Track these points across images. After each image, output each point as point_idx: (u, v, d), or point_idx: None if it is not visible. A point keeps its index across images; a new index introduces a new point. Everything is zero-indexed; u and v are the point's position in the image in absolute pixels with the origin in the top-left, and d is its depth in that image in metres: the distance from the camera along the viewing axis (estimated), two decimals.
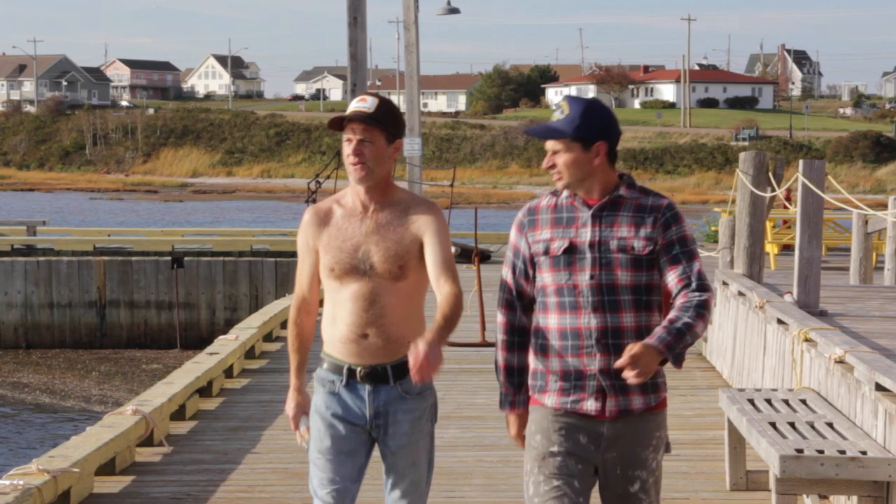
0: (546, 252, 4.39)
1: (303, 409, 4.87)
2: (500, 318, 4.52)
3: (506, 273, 4.53)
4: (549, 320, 4.38)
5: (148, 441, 8.70)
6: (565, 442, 4.38)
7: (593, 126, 4.35)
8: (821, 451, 6.10)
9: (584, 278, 4.34)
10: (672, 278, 4.35)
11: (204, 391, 10.51)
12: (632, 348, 4.12)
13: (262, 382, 11.46)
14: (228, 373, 11.55)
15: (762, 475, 7.42)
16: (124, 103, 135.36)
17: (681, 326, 4.22)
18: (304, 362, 4.86)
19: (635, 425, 4.40)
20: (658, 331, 4.22)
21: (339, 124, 4.61)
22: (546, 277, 4.39)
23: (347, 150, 4.60)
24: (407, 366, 4.43)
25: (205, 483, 7.93)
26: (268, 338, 13.75)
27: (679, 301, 4.31)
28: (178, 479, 8.06)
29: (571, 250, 4.36)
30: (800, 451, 6.11)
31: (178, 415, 9.62)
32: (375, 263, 4.62)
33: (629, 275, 4.35)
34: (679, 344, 4.22)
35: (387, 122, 4.61)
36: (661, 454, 4.51)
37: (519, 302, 4.48)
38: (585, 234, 4.36)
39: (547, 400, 4.40)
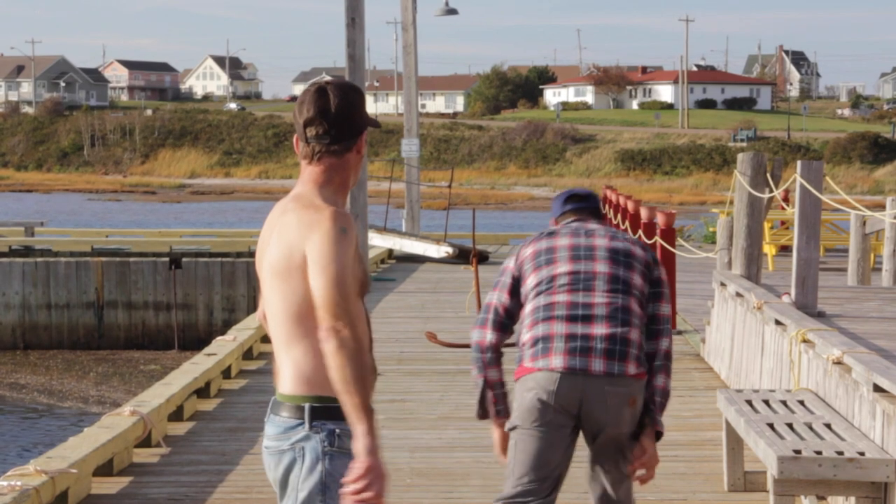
0: None
1: None
2: None
3: None
4: None
5: (146, 442, 8.69)
6: None
7: None
8: (819, 452, 6.10)
9: None
10: None
11: (202, 392, 10.50)
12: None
13: (260, 383, 11.45)
14: (226, 374, 11.54)
15: (760, 476, 7.42)
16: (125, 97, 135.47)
17: None
18: None
19: None
20: None
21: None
22: None
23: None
24: None
25: (203, 484, 7.93)
26: (265, 339, 13.74)
27: None
28: (175, 479, 8.06)
29: None
30: (798, 452, 6.11)
31: (176, 416, 9.61)
32: None
33: None
34: None
35: None
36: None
37: None
38: None
39: None
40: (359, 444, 3.70)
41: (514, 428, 4.90)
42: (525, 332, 4.91)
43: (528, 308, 4.92)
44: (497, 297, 4.99)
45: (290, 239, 3.82)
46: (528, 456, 4.85)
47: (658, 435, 4.93)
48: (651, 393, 4.92)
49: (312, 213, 3.82)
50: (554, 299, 4.89)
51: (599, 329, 4.84)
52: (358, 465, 3.69)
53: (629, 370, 4.83)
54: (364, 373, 3.72)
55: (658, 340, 4.94)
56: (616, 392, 4.81)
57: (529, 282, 4.94)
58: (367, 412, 3.71)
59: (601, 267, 4.94)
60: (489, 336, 4.97)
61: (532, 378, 4.84)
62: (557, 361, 4.80)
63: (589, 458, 4.98)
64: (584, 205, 5.15)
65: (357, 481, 3.68)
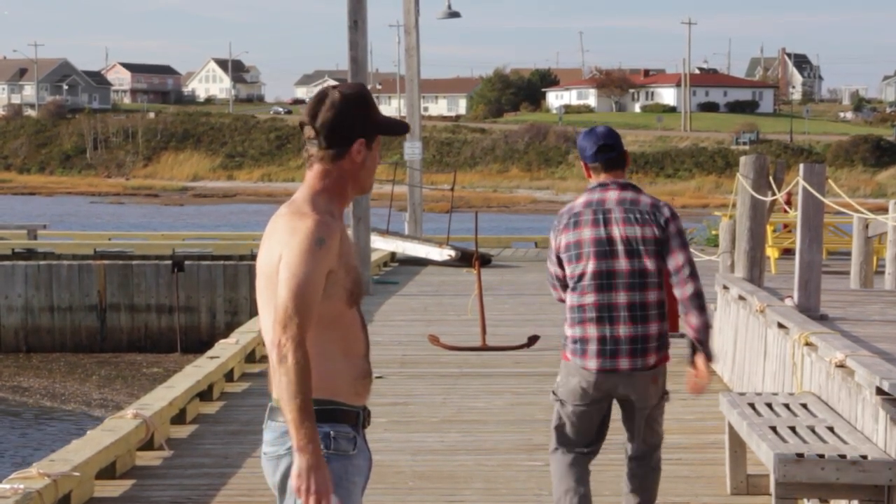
0: None
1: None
2: None
3: None
4: None
5: (148, 445, 8.70)
6: None
7: None
8: (821, 455, 6.10)
9: None
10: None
11: (204, 395, 10.51)
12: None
13: (263, 386, 11.45)
14: (229, 376, 11.55)
15: (763, 479, 7.42)
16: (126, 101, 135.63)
17: None
18: None
19: None
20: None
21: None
22: None
23: (375, 160, 3.98)
24: None
25: (205, 487, 7.93)
26: None
27: None
28: (178, 482, 8.06)
29: None
30: (800, 455, 6.11)
31: (179, 418, 9.62)
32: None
33: None
34: None
35: None
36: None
37: None
38: None
39: None
40: (295, 460, 3.73)
41: (559, 401, 5.99)
42: (567, 327, 5.92)
43: (567, 301, 5.91)
44: (553, 270, 5.99)
45: (275, 244, 3.84)
46: (575, 428, 5.98)
47: (709, 357, 5.83)
48: (692, 335, 5.83)
49: (297, 220, 3.82)
50: (585, 300, 5.85)
51: (623, 330, 5.79)
52: (293, 476, 3.73)
53: (650, 362, 5.82)
54: (304, 388, 3.70)
55: (682, 288, 5.78)
56: (641, 376, 5.85)
57: (567, 271, 5.92)
58: (304, 427, 3.70)
59: (621, 264, 5.80)
60: (560, 294, 6.02)
61: (574, 368, 5.89)
62: (592, 363, 5.84)
63: (621, 417, 6.04)
64: (610, 155, 5.93)
65: (298, 484, 3.73)
